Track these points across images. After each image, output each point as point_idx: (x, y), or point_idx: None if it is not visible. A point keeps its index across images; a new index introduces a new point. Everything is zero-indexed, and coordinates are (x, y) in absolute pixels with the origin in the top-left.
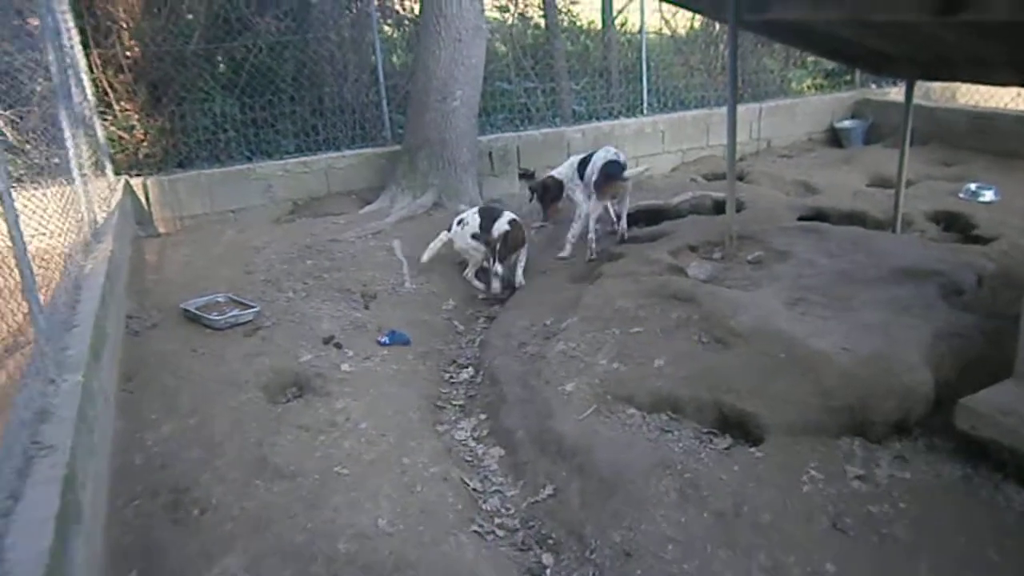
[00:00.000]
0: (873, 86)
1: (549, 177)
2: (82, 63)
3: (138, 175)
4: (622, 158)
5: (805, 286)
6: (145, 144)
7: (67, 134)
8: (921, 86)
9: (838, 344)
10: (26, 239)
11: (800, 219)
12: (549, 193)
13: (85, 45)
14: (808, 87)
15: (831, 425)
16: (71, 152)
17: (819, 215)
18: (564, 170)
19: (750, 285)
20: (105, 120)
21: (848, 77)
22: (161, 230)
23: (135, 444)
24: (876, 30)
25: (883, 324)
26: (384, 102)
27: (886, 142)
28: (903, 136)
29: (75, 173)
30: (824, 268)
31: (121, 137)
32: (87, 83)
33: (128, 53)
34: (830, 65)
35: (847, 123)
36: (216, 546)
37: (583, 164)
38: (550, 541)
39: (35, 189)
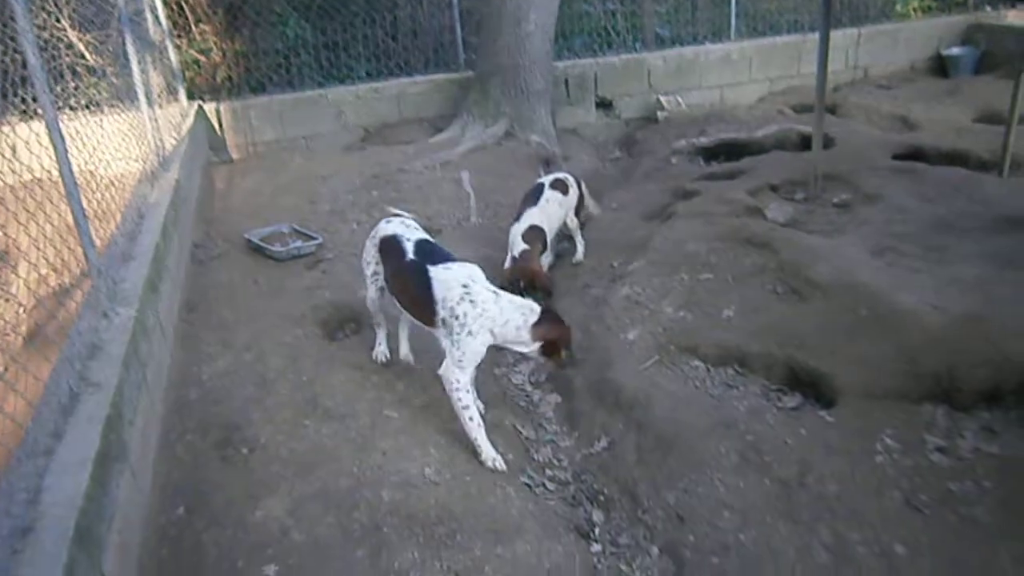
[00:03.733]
0: (988, 8)
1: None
2: None
3: (213, 100)
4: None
5: (895, 234)
6: (223, 67)
7: (133, 60)
8: None
9: (928, 301)
10: (93, 166)
11: (895, 158)
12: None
13: None
14: (914, 10)
15: (912, 390)
16: (137, 78)
17: (917, 154)
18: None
19: (833, 231)
20: (181, 44)
21: None
22: (234, 156)
23: (191, 378)
24: None
25: (981, 280)
26: (458, 26)
27: (999, 72)
28: (1020, 66)
29: (141, 99)
30: (918, 214)
31: (198, 61)
32: (160, 8)
33: None
34: None
35: (955, 50)
36: (261, 488)
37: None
38: (601, 497)
39: (96, 116)
